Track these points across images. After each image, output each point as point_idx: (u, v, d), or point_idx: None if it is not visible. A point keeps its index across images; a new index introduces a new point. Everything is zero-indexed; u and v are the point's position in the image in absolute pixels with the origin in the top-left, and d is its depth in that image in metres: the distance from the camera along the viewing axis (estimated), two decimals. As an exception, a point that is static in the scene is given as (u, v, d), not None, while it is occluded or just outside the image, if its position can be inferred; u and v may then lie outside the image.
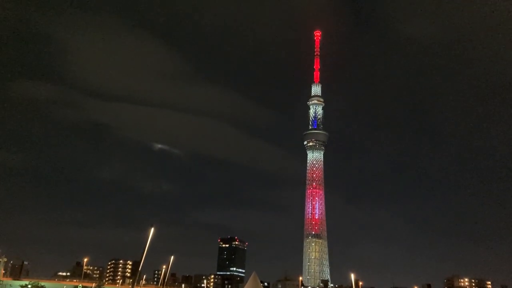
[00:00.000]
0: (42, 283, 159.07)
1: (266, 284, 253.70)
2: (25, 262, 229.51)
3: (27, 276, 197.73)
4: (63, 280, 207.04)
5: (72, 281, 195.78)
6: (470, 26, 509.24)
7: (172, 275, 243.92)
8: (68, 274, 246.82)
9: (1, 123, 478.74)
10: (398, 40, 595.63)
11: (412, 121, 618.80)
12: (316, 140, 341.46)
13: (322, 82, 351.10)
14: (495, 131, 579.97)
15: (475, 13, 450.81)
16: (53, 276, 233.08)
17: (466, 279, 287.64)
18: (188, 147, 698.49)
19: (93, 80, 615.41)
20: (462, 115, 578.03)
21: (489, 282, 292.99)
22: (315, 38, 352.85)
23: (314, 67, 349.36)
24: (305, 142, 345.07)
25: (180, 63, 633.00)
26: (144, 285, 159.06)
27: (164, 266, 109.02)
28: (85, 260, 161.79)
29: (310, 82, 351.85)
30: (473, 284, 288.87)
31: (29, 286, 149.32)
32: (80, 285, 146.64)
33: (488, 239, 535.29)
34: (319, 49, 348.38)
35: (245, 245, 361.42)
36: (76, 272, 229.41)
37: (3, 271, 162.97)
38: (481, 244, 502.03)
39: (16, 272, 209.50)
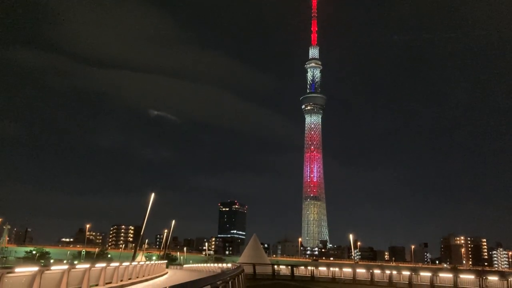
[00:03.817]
0: (47, 249, 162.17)
1: (266, 245, 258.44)
2: (29, 229, 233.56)
3: (31, 242, 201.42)
4: (67, 246, 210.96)
5: (76, 246, 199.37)
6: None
7: (174, 239, 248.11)
8: (71, 240, 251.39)
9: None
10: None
11: (409, 84, 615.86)
12: (314, 104, 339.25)
13: (319, 44, 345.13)
14: (495, 91, 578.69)
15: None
16: (57, 242, 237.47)
17: (462, 238, 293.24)
18: (185, 113, 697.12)
19: (88, 48, 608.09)
20: (460, 77, 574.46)
21: (484, 240, 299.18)
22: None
23: (312, 29, 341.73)
24: (303, 106, 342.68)
25: (176, 29, 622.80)
26: (146, 249, 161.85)
27: (165, 231, 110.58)
28: (88, 226, 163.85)
29: (308, 45, 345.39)
30: (469, 242, 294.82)
31: (34, 252, 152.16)
32: (84, 250, 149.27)
33: (484, 198, 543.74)
34: (316, 11, 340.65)
35: (245, 208, 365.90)
36: (79, 238, 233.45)
37: (8, 238, 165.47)
38: (476, 203, 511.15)
39: (20, 239, 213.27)
